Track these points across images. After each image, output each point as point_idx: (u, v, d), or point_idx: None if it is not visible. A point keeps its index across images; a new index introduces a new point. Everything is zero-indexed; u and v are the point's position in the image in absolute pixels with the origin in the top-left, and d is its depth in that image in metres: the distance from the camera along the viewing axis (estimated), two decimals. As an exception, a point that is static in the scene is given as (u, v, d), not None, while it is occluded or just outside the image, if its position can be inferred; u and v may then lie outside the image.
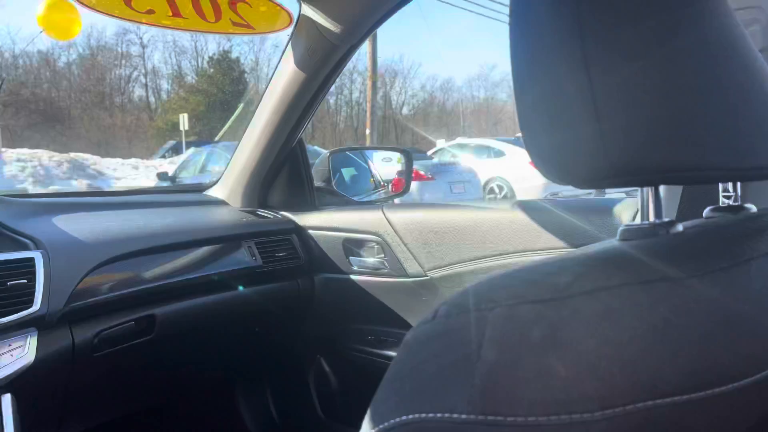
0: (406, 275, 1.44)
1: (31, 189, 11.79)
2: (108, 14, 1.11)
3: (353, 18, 1.33)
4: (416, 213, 1.46)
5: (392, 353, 1.45)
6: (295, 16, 1.39)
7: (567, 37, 0.40)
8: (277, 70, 1.53)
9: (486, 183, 10.10)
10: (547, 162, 0.47)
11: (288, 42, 1.45)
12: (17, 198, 1.40)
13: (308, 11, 1.36)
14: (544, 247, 1.17)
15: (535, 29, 0.43)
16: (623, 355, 0.34)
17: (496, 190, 10.24)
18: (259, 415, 1.83)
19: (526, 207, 1.25)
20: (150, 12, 1.15)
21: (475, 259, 1.29)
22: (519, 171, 9.82)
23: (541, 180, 9.66)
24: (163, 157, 18.50)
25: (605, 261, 0.42)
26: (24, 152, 14.45)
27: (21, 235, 1.21)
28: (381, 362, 1.48)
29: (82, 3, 1.08)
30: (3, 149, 11.47)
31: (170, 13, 1.16)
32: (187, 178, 9.46)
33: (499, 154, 10.61)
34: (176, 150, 19.46)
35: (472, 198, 9.18)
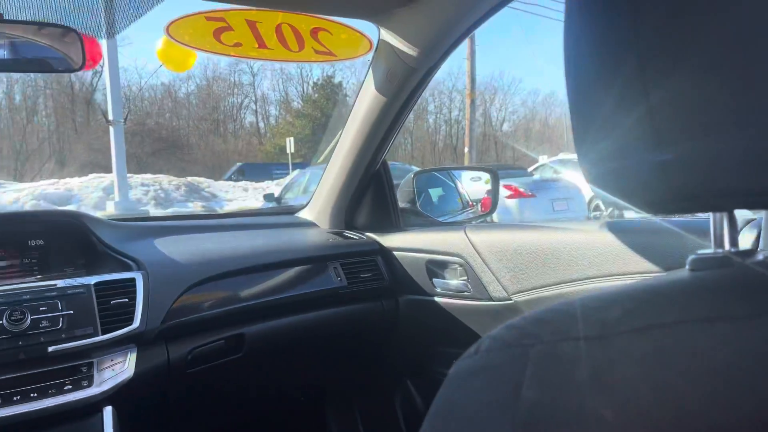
0: (490, 298, 1.40)
1: (153, 211, 12.77)
2: (200, 49, 1.19)
3: (430, 41, 1.32)
4: (499, 234, 1.42)
5: None
6: (374, 42, 1.41)
7: (622, 49, 0.37)
8: (359, 94, 1.56)
9: (591, 199, 9.66)
10: (603, 183, 0.44)
11: (369, 67, 1.48)
12: (124, 222, 1.51)
13: (386, 36, 1.38)
14: (635, 271, 1.08)
15: (589, 42, 0.40)
16: (678, 402, 0.30)
17: (602, 207, 9.77)
18: None
19: (615, 228, 1.17)
20: (237, 45, 1.22)
21: (561, 283, 1.23)
22: (626, 187, 9.32)
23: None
24: (230, 179, 19.64)
25: (661, 295, 0.38)
26: (147, 177, 15.75)
27: (125, 256, 1.31)
28: None
29: (176, 40, 1.17)
30: (129, 175, 12.54)
31: (256, 45, 1.22)
32: (292, 198, 9.85)
33: (605, 169, 10.13)
34: (242, 172, 20.91)
35: (575, 215, 8.80)
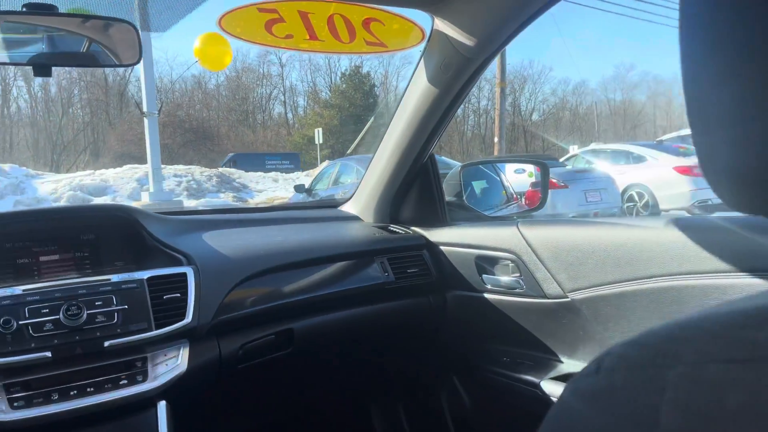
0: (545, 296, 1.36)
1: (186, 201, 12.98)
2: (251, 41, 1.17)
3: (488, 30, 1.28)
4: (555, 229, 1.37)
5: (530, 377, 1.37)
6: (427, 32, 1.37)
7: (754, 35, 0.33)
8: (408, 86, 1.52)
9: (624, 190, 9.47)
10: (724, 181, 0.39)
11: (420, 57, 1.44)
12: (172, 215, 1.51)
13: (441, 26, 1.34)
14: (708, 270, 1.03)
15: (711, 23, 0.36)
16: None
17: (636, 198, 9.58)
18: None
19: (683, 224, 1.12)
20: (289, 37, 1.19)
21: (623, 281, 1.18)
22: (661, 177, 9.13)
23: (687, 186, 8.90)
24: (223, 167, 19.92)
25: None
26: (180, 168, 16.00)
27: (174, 251, 1.30)
28: (518, 386, 1.41)
29: (228, 33, 1.15)
30: (162, 166, 12.73)
31: (307, 37, 1.19)
32: (322, 189, 9.86)
33: (639, 159, 9.92)
34: (234, 162, 21.38)
35: (609, 206, 8.64)
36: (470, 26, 1.28)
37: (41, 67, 1.01)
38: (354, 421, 1.86)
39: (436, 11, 1.31)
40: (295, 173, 18.44)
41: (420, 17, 1.39)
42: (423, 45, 1.42)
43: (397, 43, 1.39)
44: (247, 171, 17.69)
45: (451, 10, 1.28)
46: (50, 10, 1.03)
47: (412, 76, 1.49)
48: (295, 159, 26.10)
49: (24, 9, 1.01)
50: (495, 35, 1.29)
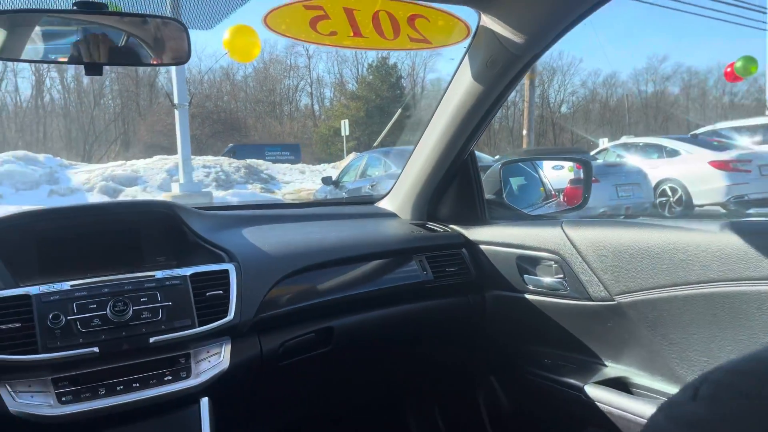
0: (589, 298, 1.33)
1: (215, 192, 13.12)
2: (296, 38, 1.16)
3: (537, 27, 1.24)
4: (602, 230, 1.34)
5: (572, 381, 1.35)
6: (473, 28, 1.34)
7: None
8: (451, 82, 1.49)
9: (657, 185, 9.27)
10: None
11: (464, 54, 1.41)
12: (211, 211, 1.51)
13: (488, 22, 1.31)
14: (764, 276, 0.99)
15: None
16: None
17: (669, 193, 9.37)
18: None
19: (740, 229, 1.08)
20: (333, 34, 1.18)
21: (674, 285, 1.15)
22: (696, 172, 8.90)
23: (723, 182, 8.66)
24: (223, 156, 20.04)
25: None
26: (208, 159, 16.18)
27: (216, 247, 1.31)
28: (560, 389, 1.38)
29: (273, 30, 1.14)
30: (192, 156, 12.88)
31: (351, 34, 1.18)
32: (349, 182, 9.87)
33: (673, 153, 9.69)
34: (233, 152, 21.32)
35: (641, 201, 8.47)
36: (519, 22, 1.25)
37: (92, 66, 1.02)
38: (390, 419, 1.85)
39: (483, 7, 1.27)
40: (322, 165, 18.48)
41: (465, 13, 1.36)
42: (468, 41, 1.39)
43: (441, 39, 1.37)
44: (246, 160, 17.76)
45: (499, 6, 1.25)
46: (100, 9, 1.04)
47: (455, 73, 1.46)
48: (296, 150, 25.88)
49: (75, 8, 1.02)
50: (545, 32, 1.25)
